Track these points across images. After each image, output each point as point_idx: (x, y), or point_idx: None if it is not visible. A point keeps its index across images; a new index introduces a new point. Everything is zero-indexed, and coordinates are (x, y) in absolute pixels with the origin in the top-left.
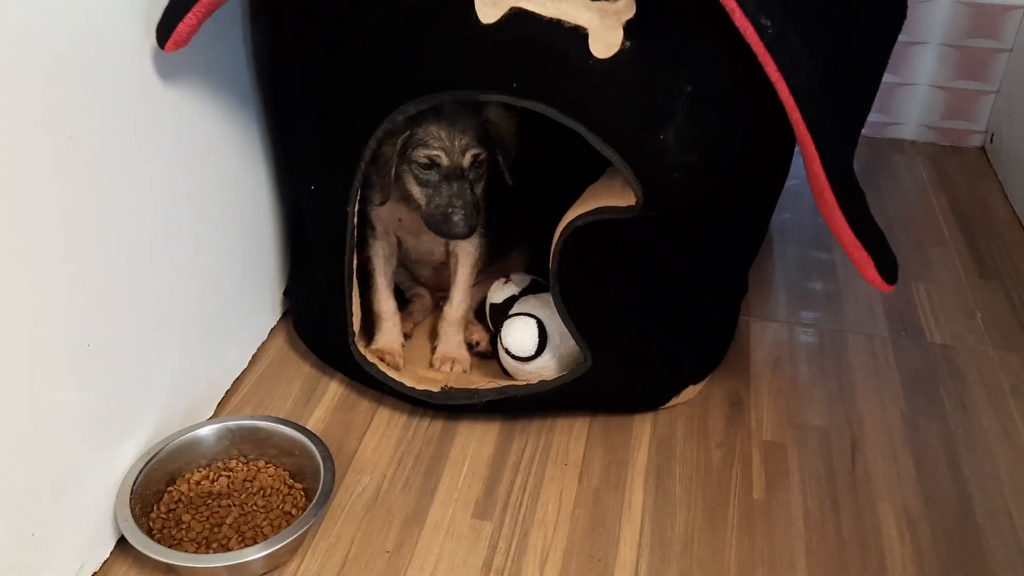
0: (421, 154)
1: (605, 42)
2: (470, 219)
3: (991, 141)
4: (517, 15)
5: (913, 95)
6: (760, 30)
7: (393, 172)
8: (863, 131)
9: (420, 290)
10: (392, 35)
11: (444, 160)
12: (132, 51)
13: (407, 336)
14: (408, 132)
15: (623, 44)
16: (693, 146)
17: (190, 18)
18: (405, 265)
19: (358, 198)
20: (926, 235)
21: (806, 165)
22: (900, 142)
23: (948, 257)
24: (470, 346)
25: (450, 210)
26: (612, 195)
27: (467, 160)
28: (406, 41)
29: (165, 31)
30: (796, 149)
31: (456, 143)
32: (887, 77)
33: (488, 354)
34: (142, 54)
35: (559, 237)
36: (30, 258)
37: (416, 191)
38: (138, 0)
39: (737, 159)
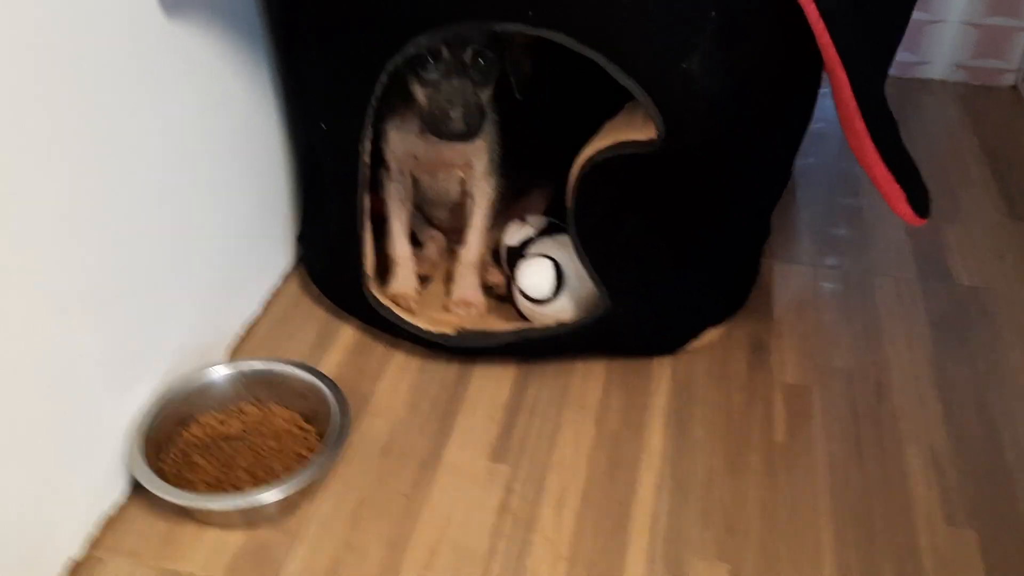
0: (423, 44)
1: None
2: (469, 117)
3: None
4: None
5: (943, 32)
6: None
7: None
8: (891, 71)
9: (434, 232)
10: None
11: (445, 52)
12: None
13: (427, 278)
14: None
15: None
16: (717, 77)
17: None
18: (420, 207)
19: (371, 136)
20: (956, 176)
21: (835, 93)
22: (929, 82)
23: (978, 198)
24: (488, 289)
25: (447, 106)
26: (632, 129)
27: (469, 54)
28: None
29: None
30: (823, 89)
31: (458, 38)
32: (917, 14)
33: (506, 297)
34: None
35: (576, 174)
36: (37, 201)
37: (419, 94)
38: None
39: (763, 91)
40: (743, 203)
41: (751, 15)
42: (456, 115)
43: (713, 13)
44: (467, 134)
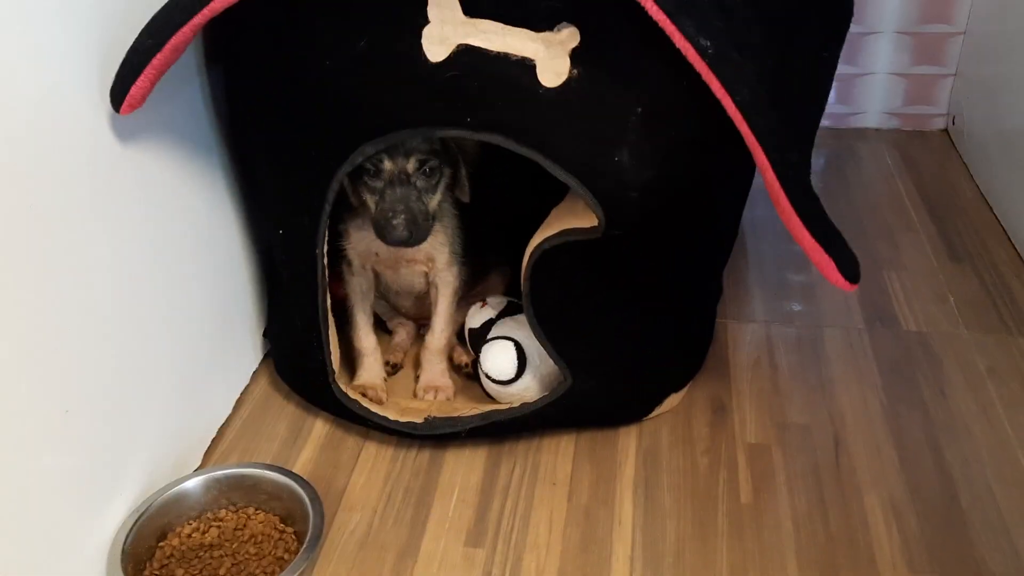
0: (370, 162)
1: (553, 71)
2: (411, 226)
3: (953, 123)
4: (465, 51)
5: (873, 84)
6: (700, 50)
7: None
8: (827, 123)
9: (402, 319)
10: (344, 79)
11: (387, 164)
12: (88, 116)
13: (399, 366)
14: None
15: (571, 72)
16: (648, 165)
17: (142, 81)
18: (386, 296)
19: (327, 238)
20: (895, 222)
21: (761, 174)
22: (864, 131)
23: (918, 242)
24: (459, 369)
25: (390, 214)
26: (575, 216)
27: (412, 165)
28: (359, 84)
29: (119, 95)
30: None
31: (401, 148)
32: (847, 68)
33: (475, 375)
34: (98, 118)
35: (528, 261)
36: None
37: (369, 201)
38: (92, 65)
39: (695, 173)
40: (693, 270)
41: (675, 107)
42: (399, 223)
43: (639, 108)
44: (410, 241)
